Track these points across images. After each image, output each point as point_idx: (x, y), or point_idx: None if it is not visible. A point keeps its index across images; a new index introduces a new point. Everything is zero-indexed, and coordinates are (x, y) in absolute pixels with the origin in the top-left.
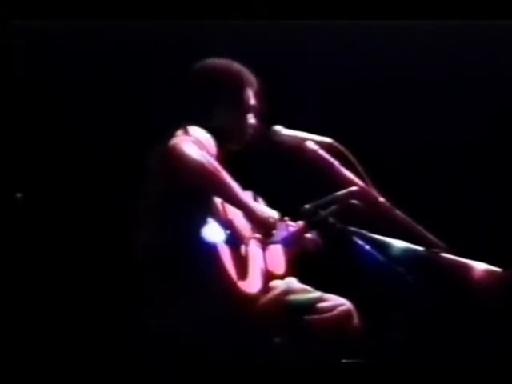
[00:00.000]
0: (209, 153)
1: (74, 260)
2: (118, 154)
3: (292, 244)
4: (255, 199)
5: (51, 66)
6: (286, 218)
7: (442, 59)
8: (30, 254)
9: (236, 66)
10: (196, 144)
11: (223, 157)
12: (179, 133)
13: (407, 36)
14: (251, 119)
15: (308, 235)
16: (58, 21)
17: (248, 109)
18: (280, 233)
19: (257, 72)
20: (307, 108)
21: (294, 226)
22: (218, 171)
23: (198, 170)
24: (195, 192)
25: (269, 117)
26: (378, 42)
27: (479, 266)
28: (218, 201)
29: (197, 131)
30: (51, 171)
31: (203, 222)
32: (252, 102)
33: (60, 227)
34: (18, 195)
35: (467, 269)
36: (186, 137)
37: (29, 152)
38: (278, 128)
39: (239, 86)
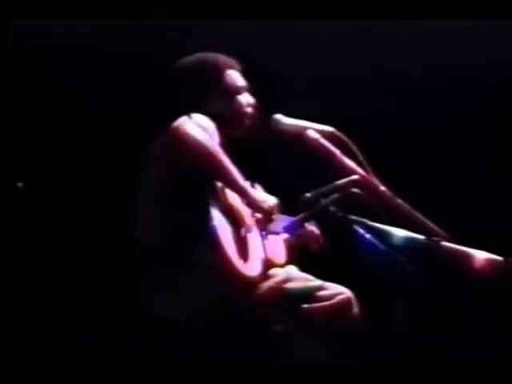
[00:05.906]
0: (212, 139)
1: (74, 246)
2: (118, 148)
3: (293, 233)
4: (253, 187)
5: (51, 66)
6: None
7: (443, 47)
8: (30, 240)
9: (210, 55)
10: (199, 127)
11: (226, 145)
12: (183, 118)
13: (409, 26)
14: (245, 99)
15: (311, 230)
16: (57, 21)
17: (238, 90)
18: (281, 221)
19: (258, 62)
20: (308, 97)
21: None
22: (220, 154)
23: (200, 151)
24: (196, 176)
25: (270, 106)
26: (380, 31)
27: (480, 255)
28: (218, 186)
29: (200, 118)
30: (52, 164)
31: (204, 207)
32: (239, 82)
33: (60, 215)
34: (19, 184)
35: (468, 257)
36: (190, 120)
37: (29, 150)
38: (279, 117)
39: (219, 71)
